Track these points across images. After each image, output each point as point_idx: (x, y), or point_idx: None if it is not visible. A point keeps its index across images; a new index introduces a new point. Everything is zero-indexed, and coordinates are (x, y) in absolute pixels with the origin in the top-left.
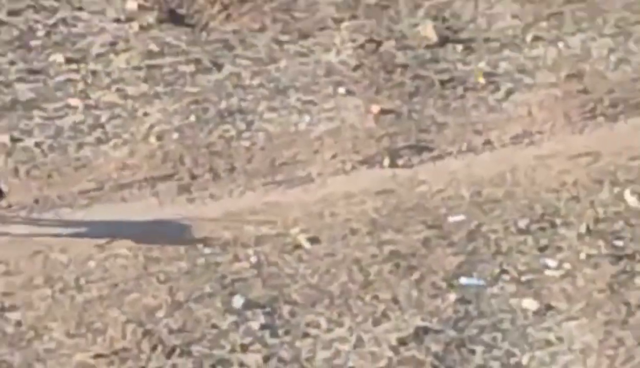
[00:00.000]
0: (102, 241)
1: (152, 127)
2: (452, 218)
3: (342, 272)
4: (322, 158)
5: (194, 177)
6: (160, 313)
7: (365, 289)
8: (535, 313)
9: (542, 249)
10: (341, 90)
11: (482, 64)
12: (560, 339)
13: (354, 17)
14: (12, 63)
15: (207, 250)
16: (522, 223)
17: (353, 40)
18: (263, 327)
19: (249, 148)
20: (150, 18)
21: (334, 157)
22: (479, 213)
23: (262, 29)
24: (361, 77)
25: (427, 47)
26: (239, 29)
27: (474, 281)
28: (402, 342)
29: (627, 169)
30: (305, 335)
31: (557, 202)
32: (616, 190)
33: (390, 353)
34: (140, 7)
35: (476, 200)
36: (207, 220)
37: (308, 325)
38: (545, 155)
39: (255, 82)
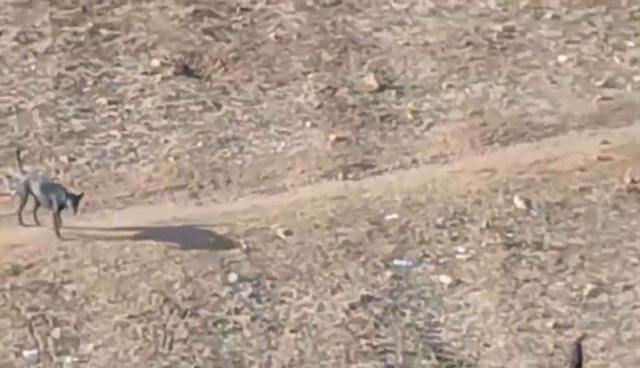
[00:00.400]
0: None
1: (170, 150)
2: (388, 217)
3: (309, 255)
4: (294, 173)
5: (201, 187)
6: (176, 286)
7: (325, 268)
8: (449, 286)
9: (454, 239)
10: (307, 123)
11: (410, 104)
12: (467, 305)
13: (316, 70)
14: (69, 104)
15: (210, 239)
16: (439, 220)
17: (316, 87)
18: (251, 295)
19: (241, 166)
20: (169, 72)
21: (302, 172)
22: (408, 213)
23: (250, 79)
24: (322, 114)
25: (370, 92)
26: (234, 79)
27: (404, 262)
28: (352, 306)
29: (516, 181)
30: (282, 301)
31: (465, 204)
32: (508, 196)
33: (343, 315)
34: (162, 63)
35: (406, 203)
36: (210, 218)
37: (283, 294)
38: (456, 170)
39: (245, 117)
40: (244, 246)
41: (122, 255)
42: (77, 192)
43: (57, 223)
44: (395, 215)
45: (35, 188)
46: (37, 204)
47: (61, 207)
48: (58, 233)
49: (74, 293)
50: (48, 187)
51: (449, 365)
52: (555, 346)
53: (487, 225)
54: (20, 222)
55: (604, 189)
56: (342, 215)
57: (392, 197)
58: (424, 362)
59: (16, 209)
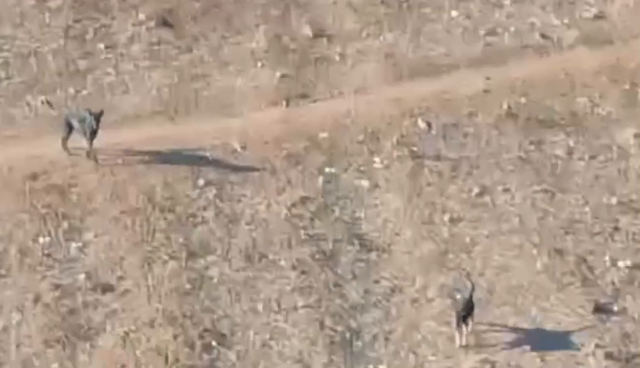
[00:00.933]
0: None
1: (153, 84)
2: (321, 135)
3: (260, 165)
4: (249, 102)
5: (177, 112)
6: (157, 188)
7: (273, 175)
8: (368, 189)
9: (371, 152)
10: (259, 64)
11: (337, 49)
12: (382, 203)
13: (266, 23)
14: (75, 48)
15: (184, 152)
16: (360, 137)
17: (266, 36)
18: (215, 196)
19: (207, 96)
20: (152, 23)
21: (254, 101)
22: (336, 132)
23: (214, 30)
24: (270, 57)
25: (307, 39)
26: (202, 29)
27: (333, 170)
28: (293, 204)
29: (419, 107)
30: (239, 200)
31: (380, 125)
32: (413, 119)
33: (286, 211)
34: (146, 17)
35: (334, 125)
36: (184, 136)
37: (240, 195)
38: (373, 100)
39: (211, 59)
40: (210, 157)
41: (116, 165)
42: (97, 111)
43: (91, 145)
44: (326, 134)
45: (75, 122)
46: (69, 134)
47: (93, 131)
48: (92, 156)
49: (78, 194)
50: (82, 119)
51: (368, 249)
52: (450, 235)
53: (397, 142)
54: (64, 148)
55: (487, 114)
56: (285, 134)
57: (324, 120)
58: (349, 247)
59: (62, 139)
